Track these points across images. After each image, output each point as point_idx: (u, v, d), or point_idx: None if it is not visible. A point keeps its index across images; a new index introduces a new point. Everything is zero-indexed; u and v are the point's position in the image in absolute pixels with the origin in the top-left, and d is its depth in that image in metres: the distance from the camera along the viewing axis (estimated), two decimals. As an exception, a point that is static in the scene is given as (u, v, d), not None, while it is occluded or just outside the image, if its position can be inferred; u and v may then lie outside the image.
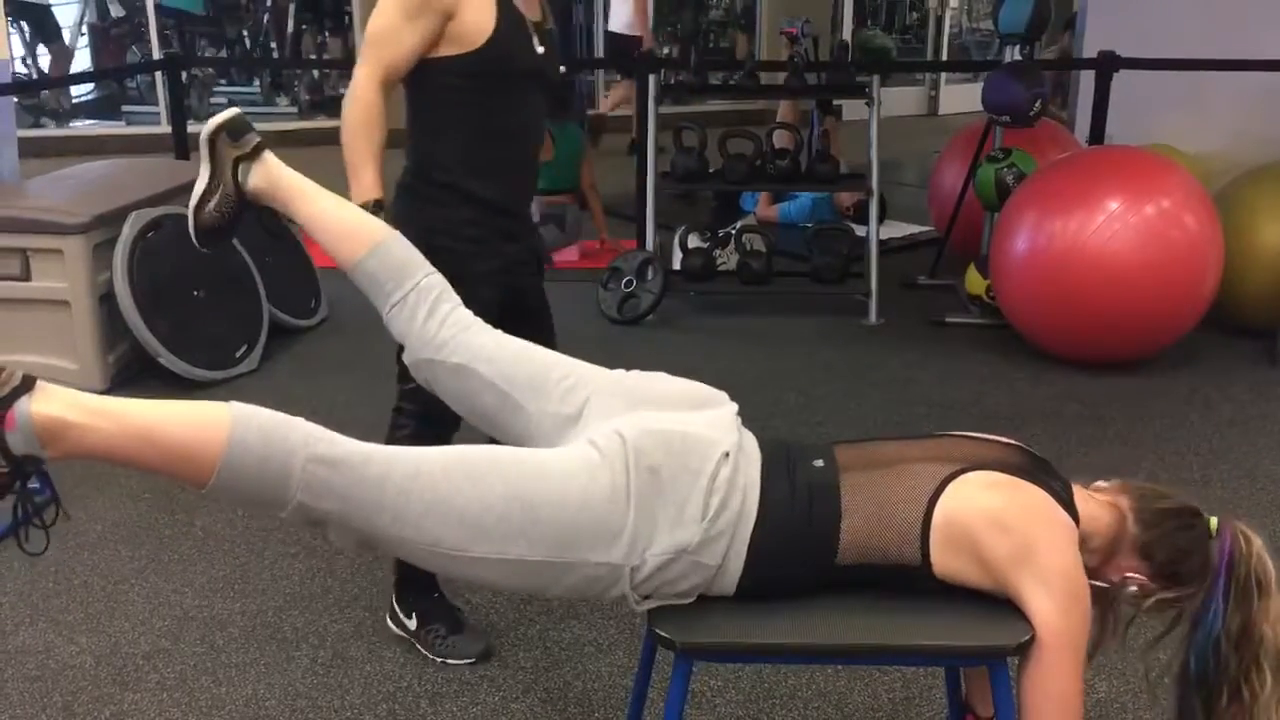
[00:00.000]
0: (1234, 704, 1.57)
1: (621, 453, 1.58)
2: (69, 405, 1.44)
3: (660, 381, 1.77)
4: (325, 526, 1.54)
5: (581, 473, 1.57)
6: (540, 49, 2.35)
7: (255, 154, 1.92)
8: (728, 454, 1.61)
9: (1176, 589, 1.65)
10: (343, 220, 1.89)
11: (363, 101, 2.20)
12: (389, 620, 2.58)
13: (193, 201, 1.96)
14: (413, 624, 2.52)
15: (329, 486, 1.49)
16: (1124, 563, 1.67)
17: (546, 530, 1.54)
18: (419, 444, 1.69)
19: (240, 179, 1.92)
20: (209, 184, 1.94)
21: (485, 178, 2.34)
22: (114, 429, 1.45)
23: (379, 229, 1.89)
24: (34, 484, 1.51)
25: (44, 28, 9.43)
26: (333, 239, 1.87)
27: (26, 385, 1.43)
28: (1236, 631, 1.58)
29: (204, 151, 1.94)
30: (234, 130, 1.93)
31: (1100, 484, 1.77)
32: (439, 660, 2.49)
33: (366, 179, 2.20)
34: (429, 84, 2.29)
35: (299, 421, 1.52)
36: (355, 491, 1.50)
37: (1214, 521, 1.67)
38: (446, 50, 2.24)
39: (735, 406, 1.75)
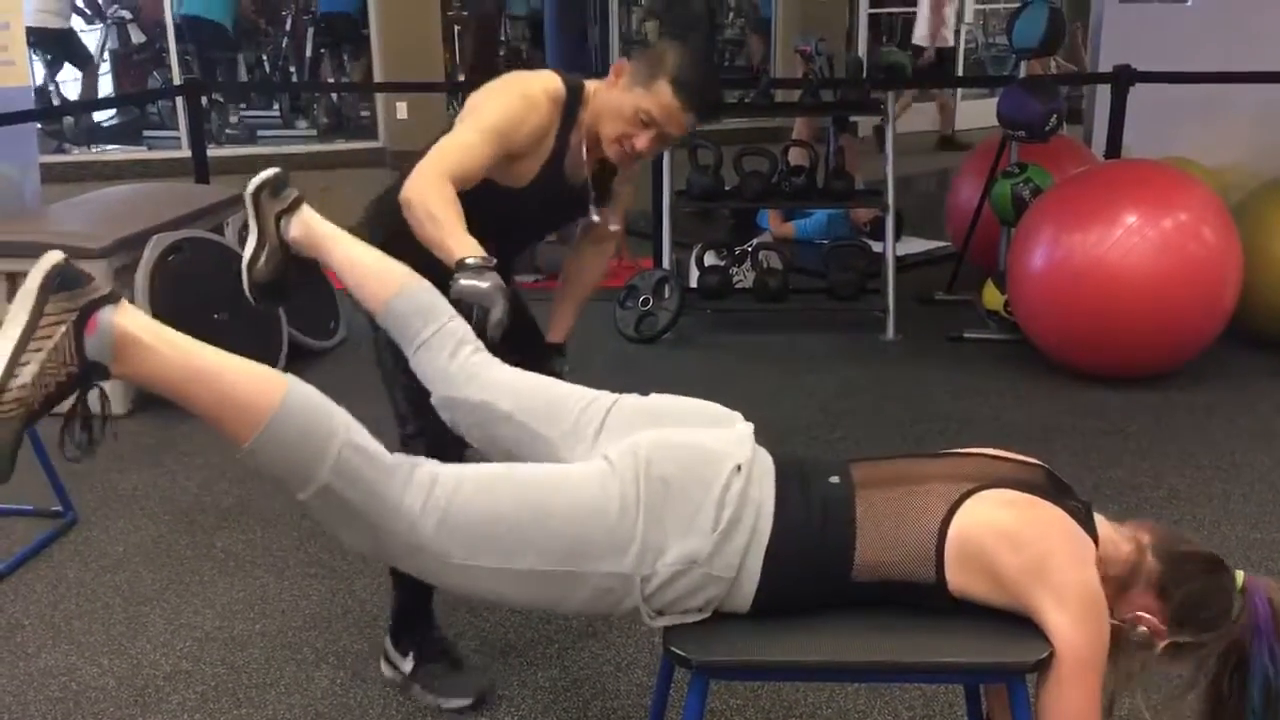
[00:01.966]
0: None
1: (632, 464, 1.60)
2: (146, 328, 1.51)
3: (676, 401, 1.80)
4: (339, 525, 1.56)
5: (592, 483, 1.60)
6: (546, 211, 2.34)
7: (294, 207, 2.02)
8: (739, 467, 1.62)
9: (1190, 635, 1.61)
10: (371, 265, 1.95)
11: (433, 186, 2.00)
12: (382, 663, 2.47)
13: (245, 260, 2.04)
14: (408, 664, 2.41)
15: (359, 475, 1.52)
16: (1138, 599, 1.63)
17: (557, 540, 1.56)
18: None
19: (281, 231, 2.01)
20: (258, 240, 2.02)
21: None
22: (179, 359, 1.51)
23: (405, 273, 1.91)
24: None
25: (72, 52, 9.53)
26: (362, 281, 1.93)
27: (112, 298, 1.49)
28: None
29: (249, 209, 2.02)
30: (275, 186, 2.01)
31: (1122, 523, 1.73)
32: (436, 702, 2.38)
33: (466, 238, 1.94)
34: None
35: (343, 411, 1.58)
36: (379, 488, 1.54)
37: (1240, 575, 1.64)
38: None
39: (750, 426, 1.75)
